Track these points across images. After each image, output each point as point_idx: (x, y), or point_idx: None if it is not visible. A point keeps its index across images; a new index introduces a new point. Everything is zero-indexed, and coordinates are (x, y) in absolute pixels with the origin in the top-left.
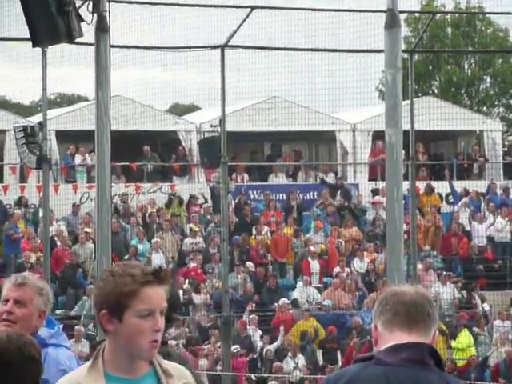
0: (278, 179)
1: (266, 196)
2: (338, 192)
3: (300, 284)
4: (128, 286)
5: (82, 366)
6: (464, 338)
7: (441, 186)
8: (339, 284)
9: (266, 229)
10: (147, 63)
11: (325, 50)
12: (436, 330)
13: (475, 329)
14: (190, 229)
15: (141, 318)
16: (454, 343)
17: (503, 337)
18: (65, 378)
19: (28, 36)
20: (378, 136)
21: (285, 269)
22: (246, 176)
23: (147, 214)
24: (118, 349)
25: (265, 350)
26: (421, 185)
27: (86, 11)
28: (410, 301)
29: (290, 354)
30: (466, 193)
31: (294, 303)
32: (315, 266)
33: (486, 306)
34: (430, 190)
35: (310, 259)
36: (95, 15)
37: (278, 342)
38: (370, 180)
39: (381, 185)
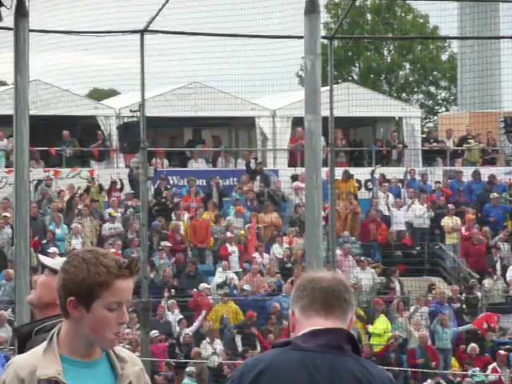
0: (198, 165)
1: (189, 181)
2: (258, 178)
3: (219, 269)
4: (102, 276)
5: (35, 349)
6: (381, 323)
7: (360, 173)
8: (258, 269)
9: (185, 214)
10: (66, 48)
11: (245, 36)
12: (353, 315)
13: (393, 314)
14: (109, 214)
15: (109, 310)
16: (370, 328)
17: (420, 322)
18: (19, 361)
19: None
20: (297, 122)
21: (204, 254)
22: (165, 161)
23: (66, 199)
24: (78, 335)
25: (184, 335)
26: (340, 171)
27: None
28: (326, 286)
29: (208, 339)
30: (385, 179)
31: (213, 288)
32: (235, 251)
33: (405, 292)
34: (347, 177)
35: (229, 245)
36: (15, 0)
37: (197, 327)
38: (289, 166)
39: (300, 171)
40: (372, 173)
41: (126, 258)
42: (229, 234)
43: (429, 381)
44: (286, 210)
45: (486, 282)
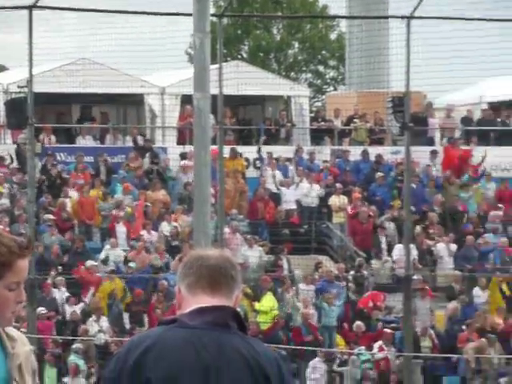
0: (86, 141)
1: (77, 158)
2: (147, 155)
3: (107, 246)
4: (4, 256)
5: None
6: (268, 301)
7: (248, 151)
8: (146, 247)
9: (73, 191)
10: None
11: (134, 13)
12: (239, 293)
13: (280, 292)
14: None
15: (9, 290)
16: (257, 305)
17: (307, 300)
18: None
19: None
20: (186, 100)
21: (91, 231)
22: (53, 138)
23: None
24: None
25: (71, 312)
26: (229, 149)
27: None
28: (213, 264)
29: (95, 316)
30: (274, 158)
31: (101, 266)
32: (122, 228)
33: (292, 270)
34: (234, 155)
35: (116, 222)
36: None
37: (84, 305)
38: (178, 144)
39: (189, 148)
40: (258, 150)
41: (15, 234)
42: (116, 211)
43: (317, 359)
44: (175, 187)
45: (373, 261)
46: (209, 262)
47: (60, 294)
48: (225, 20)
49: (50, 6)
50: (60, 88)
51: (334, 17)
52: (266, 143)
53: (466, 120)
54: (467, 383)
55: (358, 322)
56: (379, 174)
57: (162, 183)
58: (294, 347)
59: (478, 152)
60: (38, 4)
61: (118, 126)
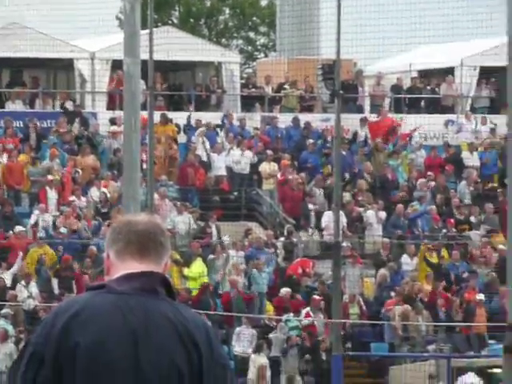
0: (15, 106)
1: (6, 122)
2: (76, 120)
3: (36, 212)
4: None
5: None
6: (197, 267)
7: (179, 117)
8: (75, 212)
9: (1, 155)
10: None
11: None
12: (168, 259)
13: (210, 258)
14: None
15: None
16: (186, 271)
17: (237, 267)
18: None
19: None
20: (116, 65)
21: (20, 196)
22: None
23: None
24: None
25: None
26: (159, 115)
27: None
28: (142, 230)
29: (23, 282)
30: (204, 124)
31: (29, 231)
32: (52, 194)
33: (221, 237)
34: (165, 120)
35: (46, 187)
36: None
37: (13, 270)
38: (108, 109)
39: (119, 114)
40: (188, 117)
41: None
42: (45, 177)
43: (243, 326)
44: (105, 153)
45: (303, 227)
46: (137, 228)
47: None
48: None
49: None
50: None
51: None
52: (196, 109)
53: (396, 88)
54: (395, 350)
55: (286, 289)
56: (310, 141)
57: (92, 149)
58: (222, 313)
59: (408, 120)
60: None
61: (48, 90)
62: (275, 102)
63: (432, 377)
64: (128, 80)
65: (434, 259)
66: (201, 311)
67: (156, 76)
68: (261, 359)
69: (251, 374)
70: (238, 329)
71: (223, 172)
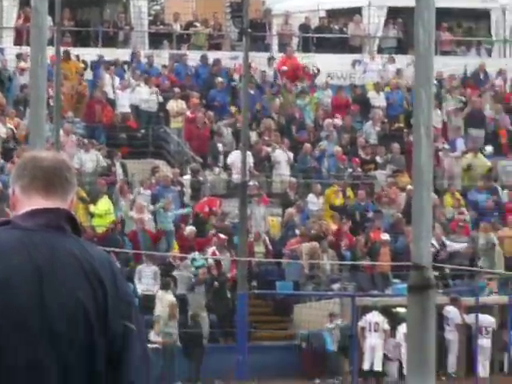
0: None
1: None
2: None
3: None
4: None
5: None
6: (103, 204)
7: (86, 53)
8: None
9: None
10: None
11: None
12: (74, 195)
13: (116, 196)
14: None
15: None
16: (92, 208)
17: (143, 204)
18: None
19: None
20: (24, 1)
21: None
22: None
23: None
24: None
25: None
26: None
27: None
28: (47, 166)
29: None
30: (113, 62)
31: None
32: None
33: (128, 175)
34: (67, 57)
35: None
36: None
37: None
38: (15, 44)
39: (26, 50)
40: (98, 54)
41: None
42: None
43: (144, 264)
44: (11, 89)
45: (210, 166)
46: (43, 164)
47: None
48: None
49: None
50: None
51: None
52: (103, 46)
53: (304, 27)
54: (300, 289)
55: (191, 227)
56: (218, 79)
57: None
58: (128, 251)
59: (316, 59)
60: None
61: None
62: (183, 40)
63: (333, 315)
64: (35, 15)
65: (340, 200)
66: (107, 248)
67: (64, 12)
68: (168, 296)
69: (158, 311)
70: (139, 267)
71: (128, 109)
